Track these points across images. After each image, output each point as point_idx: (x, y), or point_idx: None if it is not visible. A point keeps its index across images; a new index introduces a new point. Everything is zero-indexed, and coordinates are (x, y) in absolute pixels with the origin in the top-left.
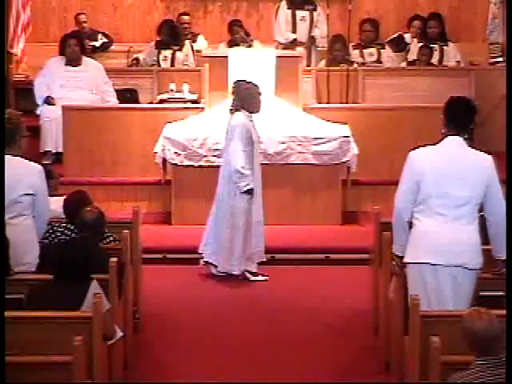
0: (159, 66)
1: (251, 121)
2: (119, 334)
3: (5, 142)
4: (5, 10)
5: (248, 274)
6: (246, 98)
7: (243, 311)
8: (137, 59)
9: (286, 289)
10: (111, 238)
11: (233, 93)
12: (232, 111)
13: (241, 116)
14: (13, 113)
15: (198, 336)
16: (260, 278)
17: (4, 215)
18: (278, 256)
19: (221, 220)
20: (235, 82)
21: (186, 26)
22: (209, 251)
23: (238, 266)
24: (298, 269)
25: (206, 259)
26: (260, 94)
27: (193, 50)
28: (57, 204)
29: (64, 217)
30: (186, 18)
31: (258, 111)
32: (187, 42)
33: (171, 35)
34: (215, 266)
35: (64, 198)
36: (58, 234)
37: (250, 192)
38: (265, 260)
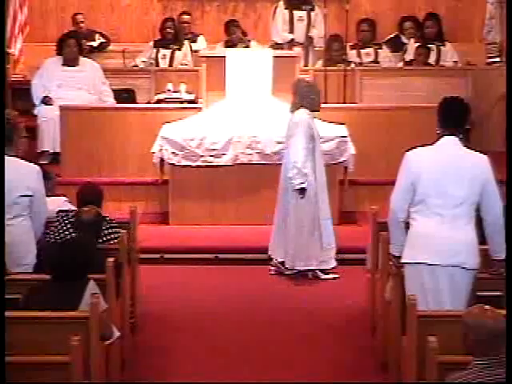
0: (157, 64)
1: (312, 119)
2: (116, 334)
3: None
4: (4, 10)
5: (319, 273)
6: (307, 96)
7: (242, 311)
8: (136, 66)
9: (285, 289)
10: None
11: (293, 92)
12: (292, 110)
13: (303, 113)
14: (11, 113)
15: (195, 336)
16: (330, 276)
17: (4, 215)
18: None
19: (279, 217)
20: (295, 81)
21: (186, 25)
22: (271, 248)
23: (294, 262)
24: None
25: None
26: (320, 92)
27: (191, 49)
28: (53, 205)
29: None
30: (186, 17)
31: (318, 109)
32: (186, 42)
33: (175, 32)
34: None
35: (80, 187)
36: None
37: (302, 191)
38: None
